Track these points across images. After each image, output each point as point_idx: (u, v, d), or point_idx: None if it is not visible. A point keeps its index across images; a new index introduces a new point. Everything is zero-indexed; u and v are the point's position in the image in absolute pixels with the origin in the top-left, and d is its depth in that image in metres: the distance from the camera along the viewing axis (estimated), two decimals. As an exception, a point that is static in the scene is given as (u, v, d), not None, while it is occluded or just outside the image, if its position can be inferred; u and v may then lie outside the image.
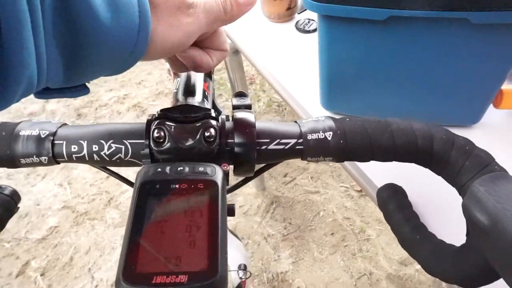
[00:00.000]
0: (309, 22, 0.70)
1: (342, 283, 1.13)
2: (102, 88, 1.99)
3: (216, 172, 0.25)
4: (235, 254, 0.51)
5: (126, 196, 1.47)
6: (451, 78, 0.40)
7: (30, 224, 1.43)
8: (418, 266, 1.12)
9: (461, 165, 0.28)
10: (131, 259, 0.21)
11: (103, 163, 0.30)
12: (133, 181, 0.27)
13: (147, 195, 0.24)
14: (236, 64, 0.90)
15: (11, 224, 1.42)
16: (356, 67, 0.45)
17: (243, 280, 0.46)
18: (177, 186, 0.24)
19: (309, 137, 0.29)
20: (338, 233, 1.24)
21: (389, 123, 0.30)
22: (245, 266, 0.47)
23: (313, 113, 0.56)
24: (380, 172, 0.47)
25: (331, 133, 0.29)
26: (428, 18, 0.36)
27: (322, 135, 0.29)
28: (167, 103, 1.82)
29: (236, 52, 0.86)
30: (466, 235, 0.29)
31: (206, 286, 0.20)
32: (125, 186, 1.49)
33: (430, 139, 0.29)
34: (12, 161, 0.29)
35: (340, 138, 0.29)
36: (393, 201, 0.38)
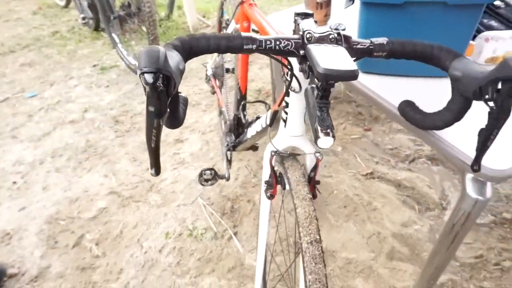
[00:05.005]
0: (339, 25, 1.02)
1: (356, 242, 1.37)
2: (134, 101, 2.28)
3: None
4: (310, 144, 0.75)
5: (166, 183, 1.70)
6: (443, 41, 0.71)
7: (80, 206, 1.64)
8: (417, 227, 1.39)
9: (446, 57, 0.57)
10: None
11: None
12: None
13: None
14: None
15: (63, 206, 1.64)
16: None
17: (319, 159, 0.72)
18: None
19: (375, 41, 0.58)
20: (349, 205, 1.50)
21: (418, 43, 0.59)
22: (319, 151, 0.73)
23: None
24: (395, 95, 0.76)
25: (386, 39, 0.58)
26: (426, 2, 0.68)
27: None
28: (197, 114, 2.11)
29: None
30: (451, 93, 0.58)
31: None
32: (165, 175, 1.73)
33: (432, 47, 0.59)
34: None
35: (392, 41, 0.58)
36: (408, 106, 0.68)
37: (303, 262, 0.59)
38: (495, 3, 0.93)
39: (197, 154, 1.85)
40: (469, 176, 0.68)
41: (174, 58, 0.47)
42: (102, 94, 2.38)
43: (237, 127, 1.33)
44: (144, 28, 2.73)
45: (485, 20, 0.89)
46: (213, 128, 2.00)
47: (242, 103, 1.24)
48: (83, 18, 2.88)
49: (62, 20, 3.44)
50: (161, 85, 0.42)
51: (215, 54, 1.58)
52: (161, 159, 1.82)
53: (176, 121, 0.53)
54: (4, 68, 2.77)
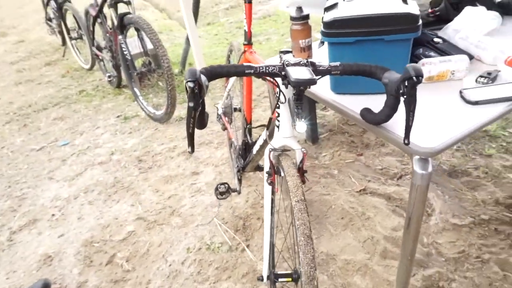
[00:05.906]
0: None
1: (353, 246, 1.57)
2: (154, 143, 2.59)
3: None
4: (298, 143, 1.01)
5: (185, 208, 1.94)
6: (386, 65, 0.99)
7: (111, 231, 1.87)
8: (405, 230, 1.58)
9: (379, 71, 0.86)
10: None
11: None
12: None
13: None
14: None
15: (96, 231, 1.87)
16: (345, 65, 1.06)
17: (305, 153, 0.98)
18: None
19: (332, 64, 0.87)
20: (346, 217, 1.71)
21: (360, 64, 0.88)
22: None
23: (327, 95, 1.16)
24: (359, 107, 1.04)
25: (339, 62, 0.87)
26: (370, 40, 0.98)
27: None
28: (209, 150, 2.41)
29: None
30: (386, 95, 0.86)
31: None
32: (184, 202, 1.97)
33: (370, 66, 0.87)
34: None
35: (343, 64, 0.87)
36: (366, 111, 0.96)
37: (292, 214, 0.83)
38: (435, 39, 1.24)
39: (211, 183, 2.10)
40: (416, 157, 0.93)
41: (202, 77, 0.76)
42: (126, 139, 2.70)
43: (245, 151, 1.60)
44: (160, 83, 3.15)
45: (426, 52, 1.19)
46: (224, 162, 2.27)
47: (247, 127, 1.53)
48: (109, 77, 3.30)
49: (87, 81, 3.88)
50: (196, 89, 0.71)
51: (224, 97, 1.90)
52: (180, 189, 2.10)
53: (202, 123, 0.82)
54: (39, 123, 3.15)
